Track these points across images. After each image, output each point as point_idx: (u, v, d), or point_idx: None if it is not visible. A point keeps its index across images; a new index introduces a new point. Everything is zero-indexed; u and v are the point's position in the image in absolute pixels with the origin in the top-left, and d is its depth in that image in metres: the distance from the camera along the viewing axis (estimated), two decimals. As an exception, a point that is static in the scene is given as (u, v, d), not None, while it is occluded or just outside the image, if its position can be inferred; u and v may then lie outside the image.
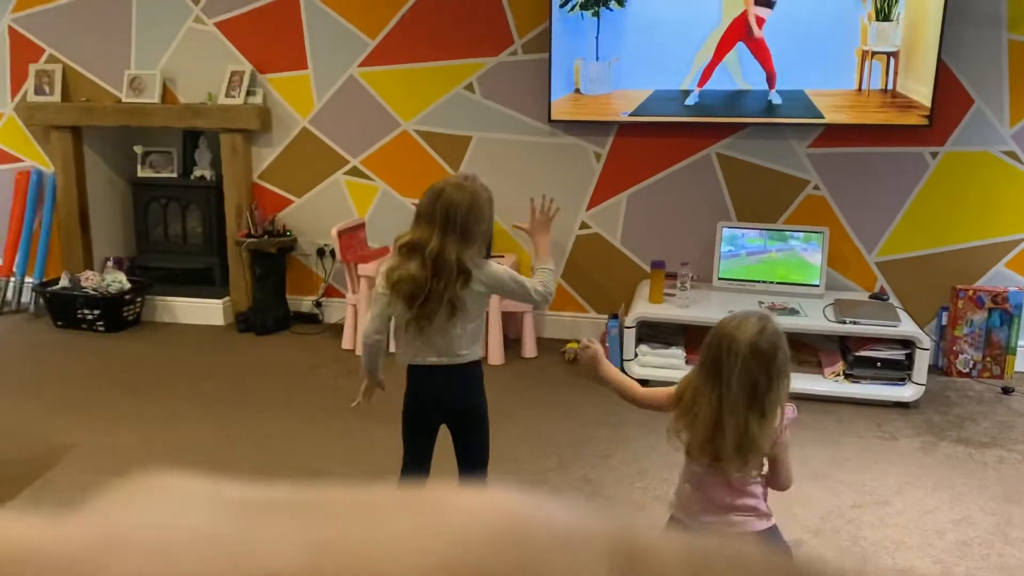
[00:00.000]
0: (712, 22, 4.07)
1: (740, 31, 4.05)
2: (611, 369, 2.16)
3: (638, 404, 2.13)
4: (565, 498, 0.21)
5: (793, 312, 3.85)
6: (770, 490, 2.00)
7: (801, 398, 3.58)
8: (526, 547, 0.19)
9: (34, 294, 4.91)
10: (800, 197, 4.27)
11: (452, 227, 2.10)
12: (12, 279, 5.05)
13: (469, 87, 4.47)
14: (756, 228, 4.19)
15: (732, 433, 1.83)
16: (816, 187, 4.25)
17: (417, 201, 2.22)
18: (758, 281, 4.13)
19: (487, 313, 2.32)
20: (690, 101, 4.16)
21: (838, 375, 3.83)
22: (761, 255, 4.18)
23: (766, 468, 1.99)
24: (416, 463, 2.37)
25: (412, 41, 4.48)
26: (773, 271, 4.15)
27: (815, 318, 3.81)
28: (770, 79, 4.06)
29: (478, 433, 2.33)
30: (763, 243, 4.18)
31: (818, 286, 4.08)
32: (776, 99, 4.09)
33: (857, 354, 3.81)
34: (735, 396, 1.83)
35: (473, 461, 2.34)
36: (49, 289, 4.73)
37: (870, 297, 4.12)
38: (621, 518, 0.20)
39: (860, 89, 4.01)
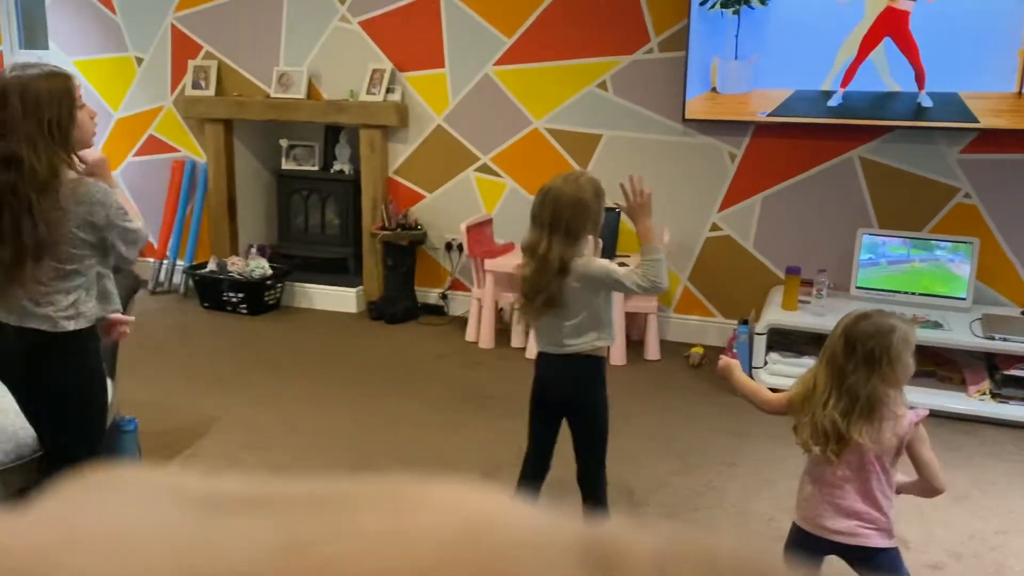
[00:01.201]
0: (855, 18, 3.92)
1: (886, 26, 3.88)
2: (742, 378, 2.16)
3: (767, 410, 2.11)
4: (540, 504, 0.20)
5: (936, 326, 3.66)
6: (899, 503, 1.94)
7: (941, 416, 3.41)
8: (496, 548, 0.18)
9: (184, 276, 5.24)
10: (949, 205, 4.05)
11: (558, 225, 2.20)
12: (165, 261, 5.41)
13: (602, 85, 4.46)
14: (899, 236, 4.00)
15: (820, 416, 1.84)
16: (967, 195, 4.02)
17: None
18: (899, 292, 3.95)
19: (604, 307, 2.33)
20: (833, 102, 4.02)
21: (983, 394, 3.62)
22: (903, 264, 3.99)
23: (899, 476, 1.93)
24: (535, 450, 2.43)
25: (547, 40, 4.51)
26: (916, 282, 3.96)
27: (960, 333, 3.61)
28: (919, 78, 3.87)
29: (587, 426, 2.35)
30: (906, 252, 3.99)
31: (964, 299, 3.86)
32: (926, 101, 3.89)
33: (1006, 373, 3.58)
34: (825, 381, 1.85)
35: (584, 455, 2.36)
36: (198, 272, 5.04)
37: (1022, 313, 3.87)
38: (595, 520, 0.20)
39: (1020, 93, 3.76)
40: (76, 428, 2.22)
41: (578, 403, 2.35)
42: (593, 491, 2.36)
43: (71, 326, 2.11)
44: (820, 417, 1.84)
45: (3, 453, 2.40)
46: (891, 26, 3.88)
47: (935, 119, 3.90)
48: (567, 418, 2.37)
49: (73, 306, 2.11)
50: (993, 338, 3.54)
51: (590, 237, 2.28)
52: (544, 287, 2.22)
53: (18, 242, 1.96)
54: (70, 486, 0.21)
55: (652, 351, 4.27)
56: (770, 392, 2.13)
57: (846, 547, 1.91)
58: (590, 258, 2.28)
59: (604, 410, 2.35)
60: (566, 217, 2.19)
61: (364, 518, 0.19)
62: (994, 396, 3.60)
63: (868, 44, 3.92)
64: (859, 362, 1.82)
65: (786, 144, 4.21)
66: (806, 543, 1.94)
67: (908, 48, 3.87)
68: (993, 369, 3.69)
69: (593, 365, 2.32)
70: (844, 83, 3.97)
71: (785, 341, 3.91)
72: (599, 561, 0.18)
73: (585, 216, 2.21)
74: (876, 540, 1.90)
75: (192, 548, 0.18)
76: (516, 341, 4.37)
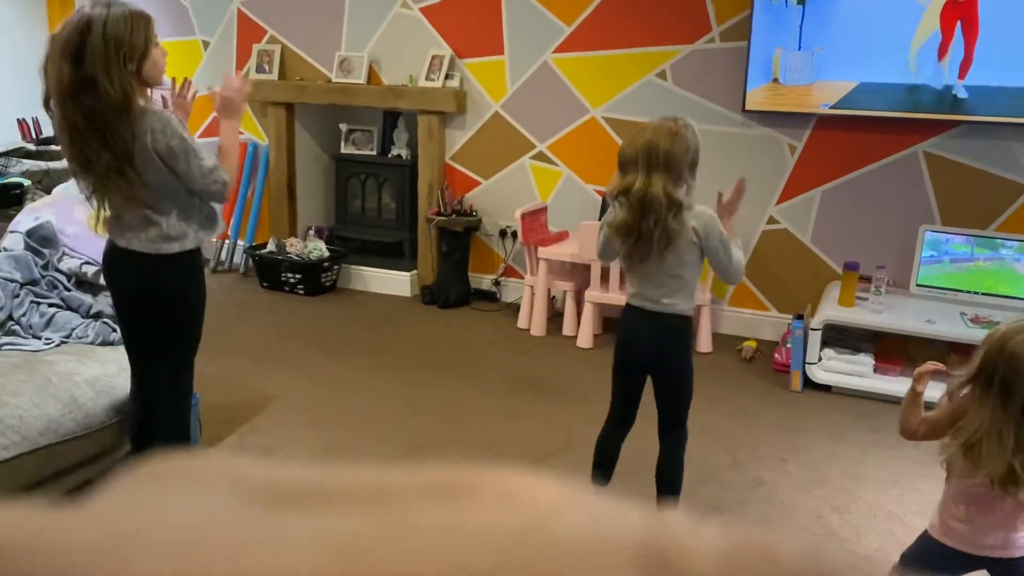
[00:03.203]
0: (921, 8, 3.81)
1: (957, 12, 3.76)
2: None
3: (911, 434, 1.95)
4: (602, 493, 0.20)
5: (998, 327, 3.57)
6: None
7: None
8: (550, 553, 0.18)
9: (245, 256, 5.37)
10: (1017, 203, 3.93)
11: (655, 164, 2.11)
12: (226, 241, 5.54)
13: (661, 75, 4.43)
14: (963, 234, 3.91)
15: (1020, 458, 1.70)
16: (1037, 193, 3.90)
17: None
18: (961, 291, 3.86)
19: (697, 271, 2.30)
20: (959, 93, 3.88)
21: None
22: (966, 263, 3.90)
23: None
24: (619, 406, 2.44)
25: (607, 28, 4.49)
26: (979, 281, 3.86)
27: (1025, 335, 3.51)
28: (965, 65, 3.75)
29: (673, 389, 2.35)
30: (970, 250, 3.89)
31: (1031, 300, 3.76)
32: (962, 92, 3.77)
33: (1072, 378, 3.48)
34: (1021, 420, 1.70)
35: (667, 416, 2.38)
36: (258, 252, 5.15)
37: (1092, 317, 3.75)
38: (658, 517, 0.19)
39: (1098, 87, 3.63)
40: (176, 340, 2.36)
41: (665, 366, 2.33)
42: (671, 449, 2.38)
43: (173, 248, 2.24)
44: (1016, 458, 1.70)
45: (74, 423, 2.51)
46: (962, 11, 3.76)
47: (1006, 114, 3.79)
48: (652, 377, 2.37)
49: (170, 229, 2.24)
50: (1059, 341, 3.44)
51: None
52: (655, 225, 2.11)
53: (108, 157, 2.11)
54: (128, 478, 0.21)
55: (704, 343, 4.25)
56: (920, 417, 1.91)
57: (1000, 560, 1.84)
58: (707, 209, 2.23)
59: (690, 372, 2.35)
60: (664, 155, 2.09)
61: (419, 516, 0.19)
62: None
63: (948, 29, 3.80)
64: None
65: (848, 137, 4.13)
66: (952, 561, 1.88)
67: (970, 32, 3.75)
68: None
69: (683, 326, 2.30)
70: (962, 74, 3.84)
71: (841, 337, 3.85)
72: (659, 564, 0.18)
73: (684, 152, 2.11)
74: None
75: (249, 550, 0.18)
76: (568, 329, 4.39)
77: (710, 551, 0.19)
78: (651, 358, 2.33)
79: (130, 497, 0.20)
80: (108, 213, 2.25)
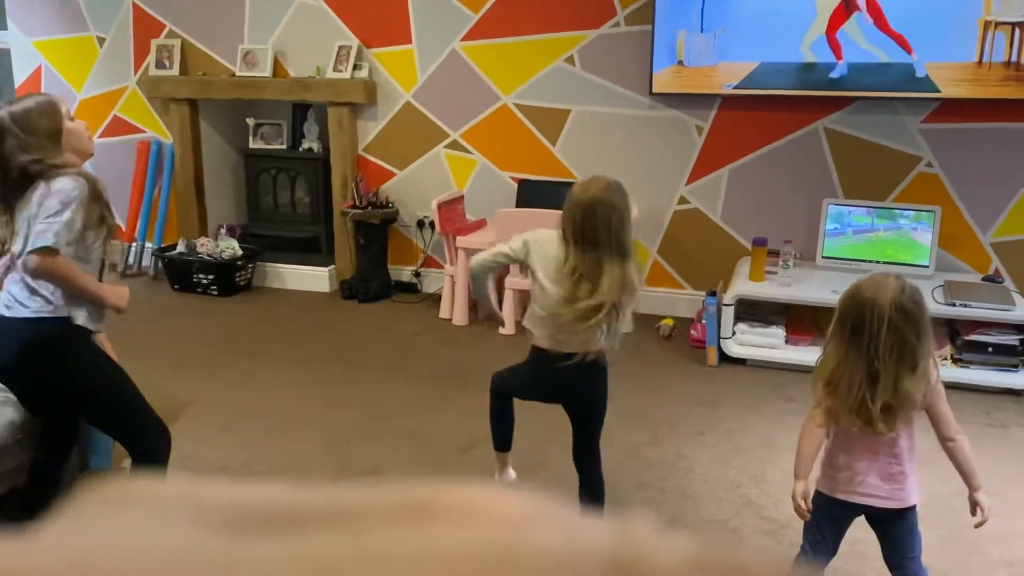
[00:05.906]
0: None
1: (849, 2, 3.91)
2: (801, 478, 2.01)
3: (820, 436, 1.99)
4: (567, 505, 0.20)
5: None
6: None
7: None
8: (518, 571, 0.18)
9: (154, 258, 5.20)
10: (911, 175, 4.11)
11: (613, 244, 2.18)
12: (133, 244, 5.36)
13: (569, 60, 4.46)
14: (864, 206, 4.07)
15: (883, 394, 1.82)
16: (928, 164, 4.09)
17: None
18: (864, 260, 4.02)
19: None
20: (835, 74, 3.98)
21: (945, 359, 3.71)
22: (868, 234, 4.06)
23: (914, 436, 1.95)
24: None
25: (514, 14, 4.50)
26: (880, 250, 4.03)
27: (923, 300, 3.69)
28: (902, 44, 3.89)
29: (594, 420, 2.40)
30: (870, 221, 4.05)
31: (927, 267, 3.95)
32: (921, 71, 3.90)
33: (967, 338, 3.67)
34: (885, 357, 1.81)
35: (584, 438, 2.41)
36: (167, 254, 5.00)
37: (983, 280, 3.96)
38: (625, 531, 0.20)
39: (980, 62, 3.82)
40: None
41: (588, 403, 2.38)
42: (592, 471, 2.41)
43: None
44: (887, 390, 1.81)
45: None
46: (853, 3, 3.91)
47: (897, 89, 3.95)
48: (567, 408, 2.39)
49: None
50: (954, 304, 3.62)
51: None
52: (613, 307, 2.18)
53: None
54: (83, 502, 0.20)
55: (624, 323, 4.31)
56: (805, 442, 1.99)
57: (881, 509, 1.93)
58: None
59: (605, 405, 2.39)
60: (616, 232, 2.15)
61: (388, 537, 0.18)
62: (955, 361, 3.69)
63: (837, 18, 3.93)
64: (924, 327, 1.83)
65: (752, 116, 4.25)
66: (841, 510, 1.96)
67: (876, 16, 3.90)
68: (955, 335, 3.78)
69: (604, 368, 2.33)
70: (837, 54, 3.96)
71: (753, 312, 3.97)
72: None
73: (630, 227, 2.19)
74: (911, 497, 1.94)
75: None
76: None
77: (678, 566, 0.19)
78: (575, 396, 2.37)
79: (88, 524, 0.19)
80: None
